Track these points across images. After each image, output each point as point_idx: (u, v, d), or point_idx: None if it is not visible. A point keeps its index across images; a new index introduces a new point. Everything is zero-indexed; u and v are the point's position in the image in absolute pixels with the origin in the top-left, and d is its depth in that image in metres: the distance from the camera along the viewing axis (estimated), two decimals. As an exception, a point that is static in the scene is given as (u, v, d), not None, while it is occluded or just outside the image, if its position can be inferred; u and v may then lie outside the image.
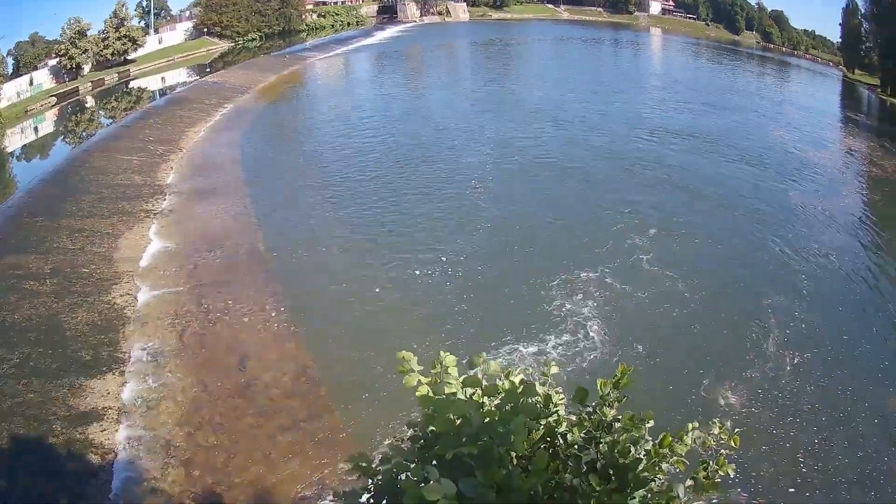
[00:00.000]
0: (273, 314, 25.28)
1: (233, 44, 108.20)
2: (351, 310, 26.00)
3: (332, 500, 16.30)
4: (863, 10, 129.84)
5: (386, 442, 17.51)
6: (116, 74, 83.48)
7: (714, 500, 11.70)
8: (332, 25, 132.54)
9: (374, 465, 5.68)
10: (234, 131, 52.84)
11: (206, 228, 33.55)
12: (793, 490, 18.23)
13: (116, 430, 18.62)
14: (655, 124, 59.94)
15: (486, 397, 5.73)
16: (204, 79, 77.19)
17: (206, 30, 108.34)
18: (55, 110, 72.31)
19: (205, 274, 28.59)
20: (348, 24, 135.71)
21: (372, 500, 5.69)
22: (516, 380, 6.01)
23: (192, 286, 27.41)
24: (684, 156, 50.91)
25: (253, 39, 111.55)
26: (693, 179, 45.01)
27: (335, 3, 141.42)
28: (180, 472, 17.32)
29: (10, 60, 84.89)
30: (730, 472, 6.06)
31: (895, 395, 23.58)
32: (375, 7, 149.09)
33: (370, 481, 5.74)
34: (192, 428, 18.92)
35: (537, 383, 6.08)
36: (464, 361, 6.11)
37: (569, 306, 26.56)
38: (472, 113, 61.16)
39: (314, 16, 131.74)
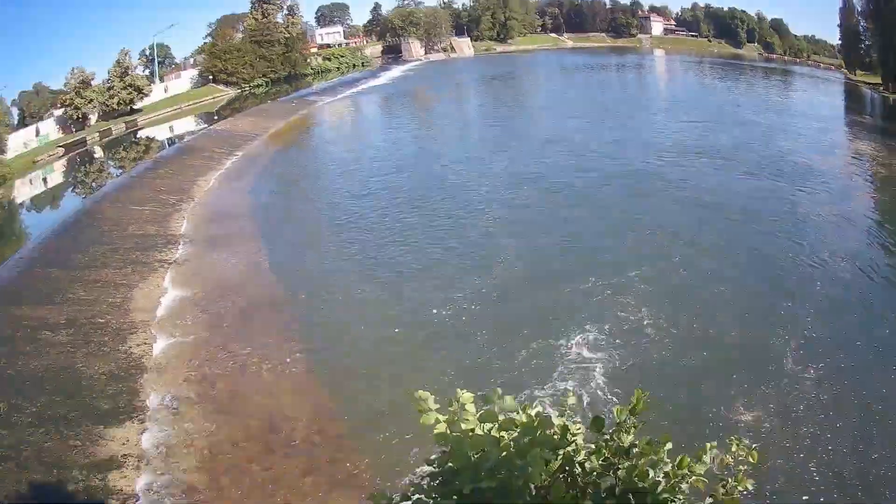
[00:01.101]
0: (290, 359, 25.24)
1: (239, 90, 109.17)
2: (367, 352, 25.94)
3: None
4: (859, 8, 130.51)
5: (405, 480, 17.55)
6: (124, 124, 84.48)
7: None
8: (338, 68, 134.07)
9: (394, 503, 5.65)
10: (246, 179, 53.43)
11: (221, 277, 33.74)
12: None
13: (137, 477, 18.63)
14: (663, 146, 60.36)
15: (503, 432, 5.63)
16: (212, 127, 77.70)
17: (211, 77, 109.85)
18: (63, 161, 73.66)
19: (221, 322, 28.63)
20: (354, 65, 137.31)
21: None
22: (532, 412, 5.90)
23: (209, 335, 27.43)
24: (695, 174, 51.19)
25: (259, 85, 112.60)
26: (705, 196, 45.14)
27: (340, 45, 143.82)
28: None
29: (14, 111, 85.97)
30: (749, 486, 6.01)
31: None
32: (380, 47, 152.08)
33: None
34: (213, 474, 18.90)
35: (554, 415, 6.07)
36: (480, 396, 6.00)
37: (586, 335, 26.40)
38: (482, 149, 61.57)
39: (319, 59, 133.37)
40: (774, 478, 18.81)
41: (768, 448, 19.72)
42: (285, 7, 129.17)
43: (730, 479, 5.99)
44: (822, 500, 18.29)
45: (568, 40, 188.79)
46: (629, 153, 57.60)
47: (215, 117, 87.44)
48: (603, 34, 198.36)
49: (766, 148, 61.50)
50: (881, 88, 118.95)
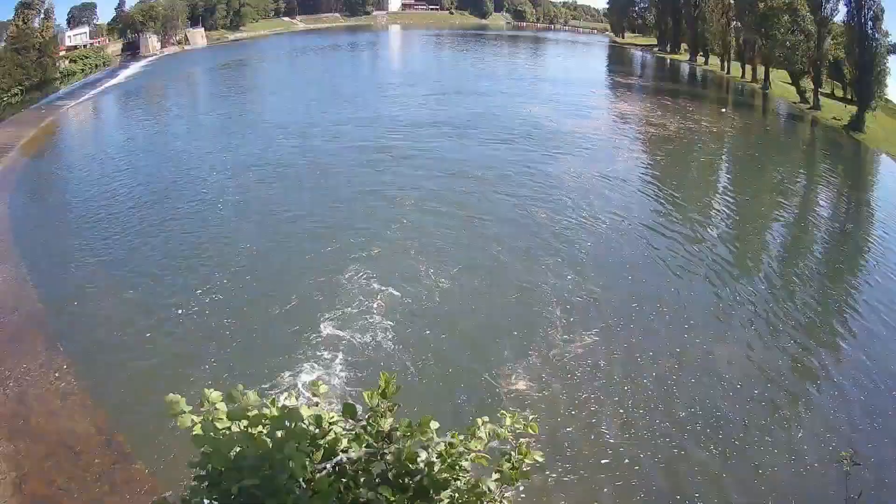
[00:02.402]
0: (62, 372, 25.63)
1: None
2: (134, 357, 26.60)
3: None
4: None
5: (184, 483, 15.44)
6: None
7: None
8: (83, 70, 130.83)
9: None
10: (1, 192, 50.87)
11: None
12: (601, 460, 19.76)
13: None
14: (402, 121, 62.29)
15: (255, 427, 5.48)
16: None
17: None
18: None
19: None
20: (96, 65, 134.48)
21: None
22: (279, 405, 5.77)
23: None
24: (438, 145, 53.21)
25: (15, 94, 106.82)
26: (451, 166, 47.06)
27: (86, 45, 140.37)
28: None
29: None
30: (538, 458, 6.09)
31: (698, 351, 26.06)
32: (120, 45, 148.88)
33: None
34: (21, 498, 19.28)
35: (303, 406, 5.90)
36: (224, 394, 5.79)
37: (333, 315, 27.96)
38: (212, 137, 63.46)
39: (66, 62, 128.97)
40: (561, 446, 20.07)
41: (550, 418, 21.10)
42: (42, 11, 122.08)
43: (513, 453, 6.14)
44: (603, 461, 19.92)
45: (299, 22, 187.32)
46: (363, 131, 59.08)
47: None
48: (337, 14, 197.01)
49: (514, 115, 63.85)
50: (654, 49, 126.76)
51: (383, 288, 30.14)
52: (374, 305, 28.77)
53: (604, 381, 23.87)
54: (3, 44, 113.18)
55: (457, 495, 5.71)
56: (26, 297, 32.31)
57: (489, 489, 5.82)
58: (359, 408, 5.88)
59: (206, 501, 5.25)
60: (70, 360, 26.44)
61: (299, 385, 23.16)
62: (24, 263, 36.15)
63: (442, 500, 5.59)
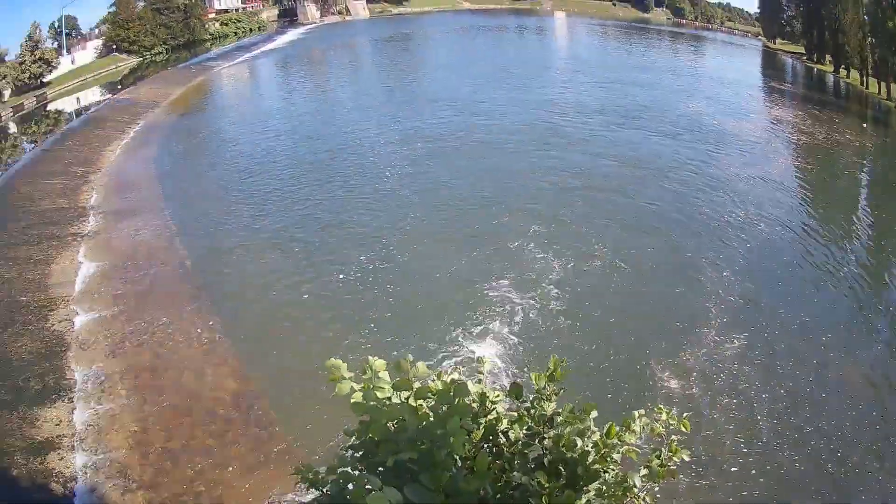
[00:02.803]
0: (206, 329, 25.23)
1: (141, 59, 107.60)
2: (281, 319, 25.93)
3: None
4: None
5: (331, 451, 17.15)
6: (34, 98, 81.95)
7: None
8: (235, 33, 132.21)
9: (321, 476, 5.58)
10: (149, 147, 52.35)
11: (132, 247, 33.28)
12: (738, 470, 18.75)
13: (73, 458, 18.73)
14: (570, 105, 60.70)
15: (419, 400, 5.50)
16: (115, 96, 77.04)
17: (114, 46, 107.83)
18: None
19: (137, 293, 28.44)
20: (250, 30, 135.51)
21: None
22: (447, 379, 5.77)
23: (126, 306, 27.25)
24: (606, 132, 52.10)
25: (160, 53, 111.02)
26: (619, 152, 46.35)
27: (237, 10, 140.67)
28: (139, 496, 17.49)
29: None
30: (684, 457, 6.08)
31: (841, 363, 24.51)
32: (276, 11, 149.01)
33: (319, 492, 5.63)
34: (144, 450, 19.03)
35: (470, 382, 5.89)
36: (391, 363, 5.79)
37: (504, 296, 26.97)
38: (379, 109, 61.12)
39: (217, 24, 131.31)
40: (707, 449, 19.30)
41: (699, 417, 20.34)
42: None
43: (663, 450, 6.10)
44: (752, 471, 18.80)
45: (465, 1, 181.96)
46: (532, 113, 57.77)
47: (119, 87, 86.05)
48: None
49: (678, 110, 61.98)
50: (803, 58, 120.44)
51: (557, 264, 29.59)
52: (547, 281, 28.15)
53: (748, 387, 22.60)
54: (142, 3, 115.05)
55: (604, 488, 5.63)
56: (175, 252, 32.82)
57: (634, 484, 5.73)
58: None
59: (355, 473, 5.29)
60: (215, 318, 26.16)
61: (461, 359, 22.68)
62: (172, 219, 36.92)
63: (589, 492, 5.53)
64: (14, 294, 28.45)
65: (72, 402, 21.28)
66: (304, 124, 57.73)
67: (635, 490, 5.70)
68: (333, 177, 42.60)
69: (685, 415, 6.56)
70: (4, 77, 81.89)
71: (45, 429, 19.94)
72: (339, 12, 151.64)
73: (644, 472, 5.93)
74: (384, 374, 5.54)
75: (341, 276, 29.01)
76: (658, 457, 6.06)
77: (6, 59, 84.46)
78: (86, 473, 18.24)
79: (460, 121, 54.84)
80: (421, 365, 5.57)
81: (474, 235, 32.64)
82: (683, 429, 6.22)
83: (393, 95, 68.56)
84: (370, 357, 5.55)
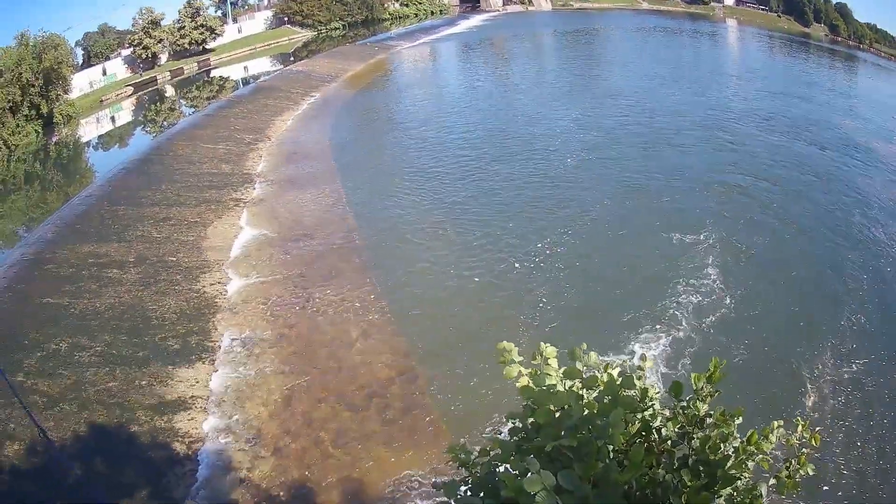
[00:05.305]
0: (368, 305, 24.64)
1: (315, 33, 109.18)
2: (448, 300, 25.29)
3: (429, 492, 16.21)
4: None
5: (485, 434, 17.31)
6: (196, 63, 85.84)
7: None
8: (416, 14, 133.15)
9: (472, 457, 5.79)
10: (324, 119, 52.59)
11: (298, 217, 33.06)
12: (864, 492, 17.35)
13: (204, 420, 18.41)
14: (741, 110, 58.88)
15: (584, 389, 5.69)
16: (289, 67, 77.25)
17: (286, 19, 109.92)
18: (132, 100, 73.97)
19: (298, 263, 28.02)
20: (431, 12, 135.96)
21: (470, 492, 5.63)
22: (614, 372, 5.92)
23: (285, 276, 26.91)
24: (776, 139, 49.74)
25: (336, 28, 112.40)
26: (790, 160, 44.09)
27: None
28: (270, 463, 16.96)
29: (78, 51, 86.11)
30: (809, 471, 5.94)
31: None
32: None
33: (468, 473, 5.79)
34: (284, 419, 18.62)
35: (635, 376, 5.85)
36: (563, 351, 6.05)
37: (676, 293, 25.72)
38: (559, 101, 59.76)
39: (396, 4, 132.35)
40: (831, 466, 18.01)
41: (831, 433, 19.13)
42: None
43: (793, 461, 5.99)
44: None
45: (644, 2, 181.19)
46: (704, 113, 56.28)
47: (291, 58, 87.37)
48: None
49: (842, 128, 58.65)
50: None
51: (727, 263, 28.12)
52: (721, 278, 26.95)
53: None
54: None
55: (734, 494, 5.59)
56: (343, 225, 32.11)
57: (762, 494, 5.65)
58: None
59: (508, 456, 5.42)
60: (379, 296, 25.52)
61: (628, 354, 21.78)
62: (343, 192, 36.50)
63: (721, 496, 5.48)
64: (162, 254, 28.28)
65: (212, 364, 21.01)
66: (486, 110, 56.69)
67: (761, 500, 5.54)
68: (512, 162, 41.35)
69: (817, 429, 6.88)
70: (161, 41, 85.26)
71: (177, 388, 19.64)
72: (523, 2, 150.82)
73: (773, 481, 5.97)
74: (554, 362, 5.85)
75: (517, 264, 28.03)
76: (787, 468, 6.02)
77: (161, 24, 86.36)
78: (216, 436, 17.92)
79: (634, 116, 53.72)
80: (593, 354, 5.93)
81: (654, 229, 31.36)
82: (814, 443, 6.12)
83: (574, 88, 67.24)
84: (542, 343, 5.89)
